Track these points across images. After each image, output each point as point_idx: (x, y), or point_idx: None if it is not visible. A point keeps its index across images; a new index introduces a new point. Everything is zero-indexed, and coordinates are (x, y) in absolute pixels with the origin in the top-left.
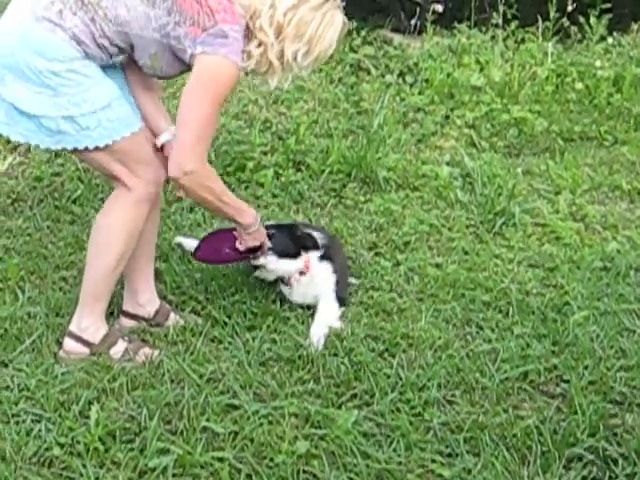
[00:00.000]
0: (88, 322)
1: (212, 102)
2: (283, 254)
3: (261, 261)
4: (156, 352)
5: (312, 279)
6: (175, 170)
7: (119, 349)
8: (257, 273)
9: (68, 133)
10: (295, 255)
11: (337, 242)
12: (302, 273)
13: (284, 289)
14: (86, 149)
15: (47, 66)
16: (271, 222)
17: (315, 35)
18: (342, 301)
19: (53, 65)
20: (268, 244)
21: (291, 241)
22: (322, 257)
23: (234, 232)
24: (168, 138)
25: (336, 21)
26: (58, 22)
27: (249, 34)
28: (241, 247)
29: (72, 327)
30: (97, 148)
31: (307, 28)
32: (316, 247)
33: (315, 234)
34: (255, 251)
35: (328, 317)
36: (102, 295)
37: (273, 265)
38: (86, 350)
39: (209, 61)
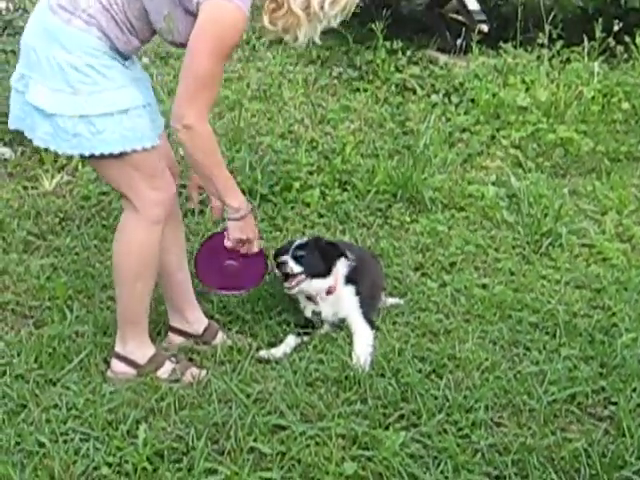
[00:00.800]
0: (133, 345)
1: (214, 50)
2: (315, 275)
3: (295, 290)
4: (203, 372)
5: (337, 299)
6: (174, 121)
7: (166, 369)
8: (287, 291)
9: (84, 136)
10: (326, 274)
11: (372, 261)
12: (329, 292)
13: (307, 304)
14: (101, 156)
15: (67, 58)
16: (293, 239)
17: None
18: (372, 324)
19: (72, 58)
20: (260, 243)
21: (321, 259)
22: (348, 279)
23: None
24: None
25: None
26: (72, 9)
27: None
28: (228, 243)
29: (118, 348)
30: (111, 155)
31: None
32: (344, 255)
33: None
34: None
35: (367, 338)
36: (138, 318)
37: (307, 287)
38: (133, 371)
39: (212, 6)
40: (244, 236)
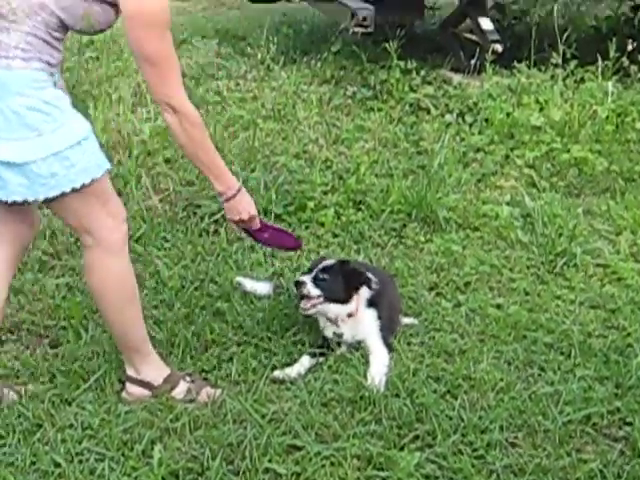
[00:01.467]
0: (146, 368)
1: (154, 31)
2: (335, 300)
3: (310, 312)
4: (218, 391)
5: (357, 323)
6: (161, 104)
7: (182, 389)
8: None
9: (60, 174)
10: (345, 301)
11: (390, 282)
12: (350, 315)
13: (328, 325)
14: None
15: (22, 102)
16: (324, 257)
17: None
18: (389, 347)
19: (27, 100)
20: (257, 223)
21: (343, 285)
22: (370, 302)
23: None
24: None
25: None
26: (5, 53)
27: None
28: (231, 223)
29: (130, 372)
30: (74, 190)
31: None
32: (367, 284)
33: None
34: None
35: (384, 359)
36: (139, 343)
37: (324, 310)
38: (148, 392)
39: None
40: (238, 217)
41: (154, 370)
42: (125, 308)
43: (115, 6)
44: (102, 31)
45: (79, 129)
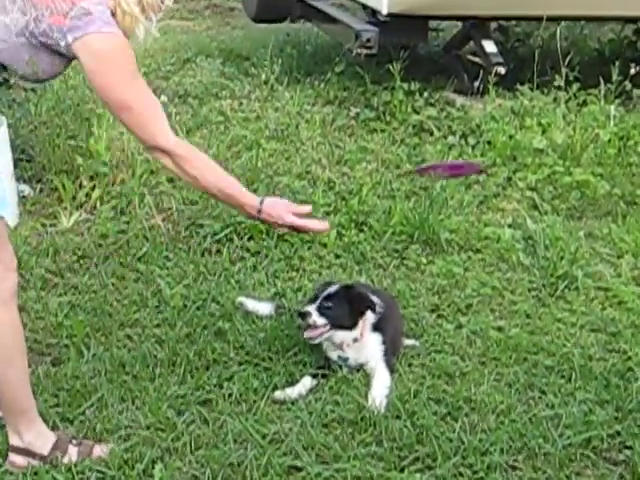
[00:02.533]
0: (31, 435)
1: (123, 80)
2: (341, 327)
3: (317, 341)
4: (110, 445)
5: (363, 347)
6: (152, 154)
7: (72, 453)
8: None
9: None
10: (352, 327)
11: (393, 304)
12: (355, 340)
13: (333, 348)
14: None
15: None
16: (328, 283)
17: None
18: (392, 369)
19: None
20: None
21: (348, 311)
22: (375, 327)
23: None
24: None
25: None
26: None
27: None
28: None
29: (14, 441)
30: None
31: None
32: (372, 308)
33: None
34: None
35: (385, 381)
36: (25, 404)
37: (331, 337)
38: (36, 462)
39: (87, 46)
40: (278, 228)
41: (41, 437)
42: (13, 362)
43: (66, 58)
44: (44, 81)
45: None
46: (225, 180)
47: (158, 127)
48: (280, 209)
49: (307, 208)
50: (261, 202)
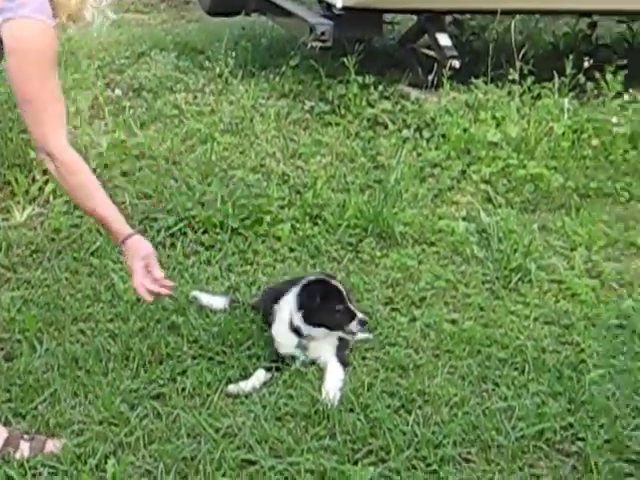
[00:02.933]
0: None
1: (36, 72)
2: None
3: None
4: (63, 441)
5: (320, 345)
6: (38, 153)
7: (24, 448)
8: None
9: None
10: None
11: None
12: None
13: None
14: None
15: None
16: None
17: None
18: (345, 363)
19: None
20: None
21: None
22: None
23: None
24: None
25: None
26: None
27: None
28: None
29: None
30: None
31: None
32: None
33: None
34: None
35: (339, 374)
36: None
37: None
38: None
39: (13, 29)
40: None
41: None
42: None
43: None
44: None
45: None
46: (102, 200)
47: (52, 130)
48: (136, 257)
49: (160, 275)
50: (129, 236)
